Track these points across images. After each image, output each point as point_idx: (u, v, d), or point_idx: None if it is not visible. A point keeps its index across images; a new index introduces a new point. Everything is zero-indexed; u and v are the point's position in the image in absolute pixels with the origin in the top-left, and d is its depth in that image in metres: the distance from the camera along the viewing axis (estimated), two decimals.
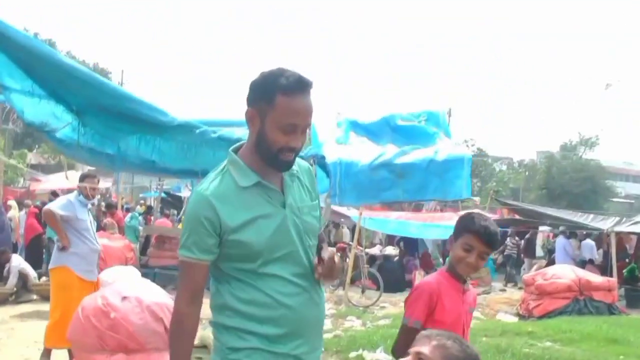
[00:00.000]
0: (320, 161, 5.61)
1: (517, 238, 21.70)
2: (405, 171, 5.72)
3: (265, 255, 2.48)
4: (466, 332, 3.30)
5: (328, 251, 2.64)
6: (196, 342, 4.16)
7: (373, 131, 6.44)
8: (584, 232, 20.10)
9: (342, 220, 21.44)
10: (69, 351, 6.60)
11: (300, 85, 2.42)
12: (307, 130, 2.54)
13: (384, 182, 5.81)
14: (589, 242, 18.59)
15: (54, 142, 7.53)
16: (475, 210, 3.23)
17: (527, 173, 56.62)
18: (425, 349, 2.05)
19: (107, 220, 15.02)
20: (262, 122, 2.45)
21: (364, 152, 6.00)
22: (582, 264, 16.95)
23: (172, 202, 25.10)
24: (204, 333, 4.19)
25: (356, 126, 6.50)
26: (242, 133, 5.05)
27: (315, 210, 2.67)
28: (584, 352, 8.87)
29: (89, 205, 7.21)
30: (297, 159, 2.57)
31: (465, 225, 3.20)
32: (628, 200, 54.17)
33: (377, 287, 14.91)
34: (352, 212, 18.37)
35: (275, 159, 2.45)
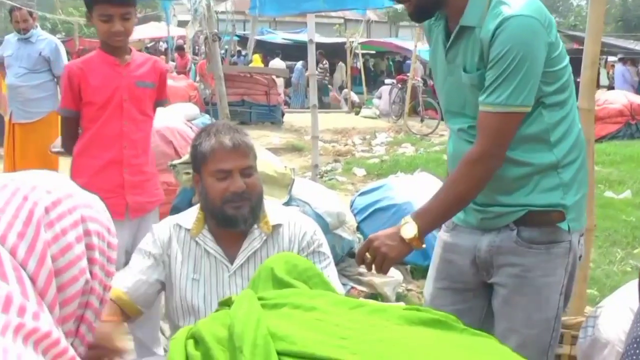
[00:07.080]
0: None
1: None
2: None
3: None
4: (137, 106, 3.21)
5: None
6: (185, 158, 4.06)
7: None
8: None
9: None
10: None
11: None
12: None
13: None
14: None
15: None
16: None
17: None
18: None
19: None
20: None
21: None
22: None
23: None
24: None
25: None
26: None
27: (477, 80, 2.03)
28: (621, 172, 9.27)
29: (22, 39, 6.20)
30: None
31: None
32: None
33: (440, 117, 15.22)
34: (410, 45, 18.12)
35: None
